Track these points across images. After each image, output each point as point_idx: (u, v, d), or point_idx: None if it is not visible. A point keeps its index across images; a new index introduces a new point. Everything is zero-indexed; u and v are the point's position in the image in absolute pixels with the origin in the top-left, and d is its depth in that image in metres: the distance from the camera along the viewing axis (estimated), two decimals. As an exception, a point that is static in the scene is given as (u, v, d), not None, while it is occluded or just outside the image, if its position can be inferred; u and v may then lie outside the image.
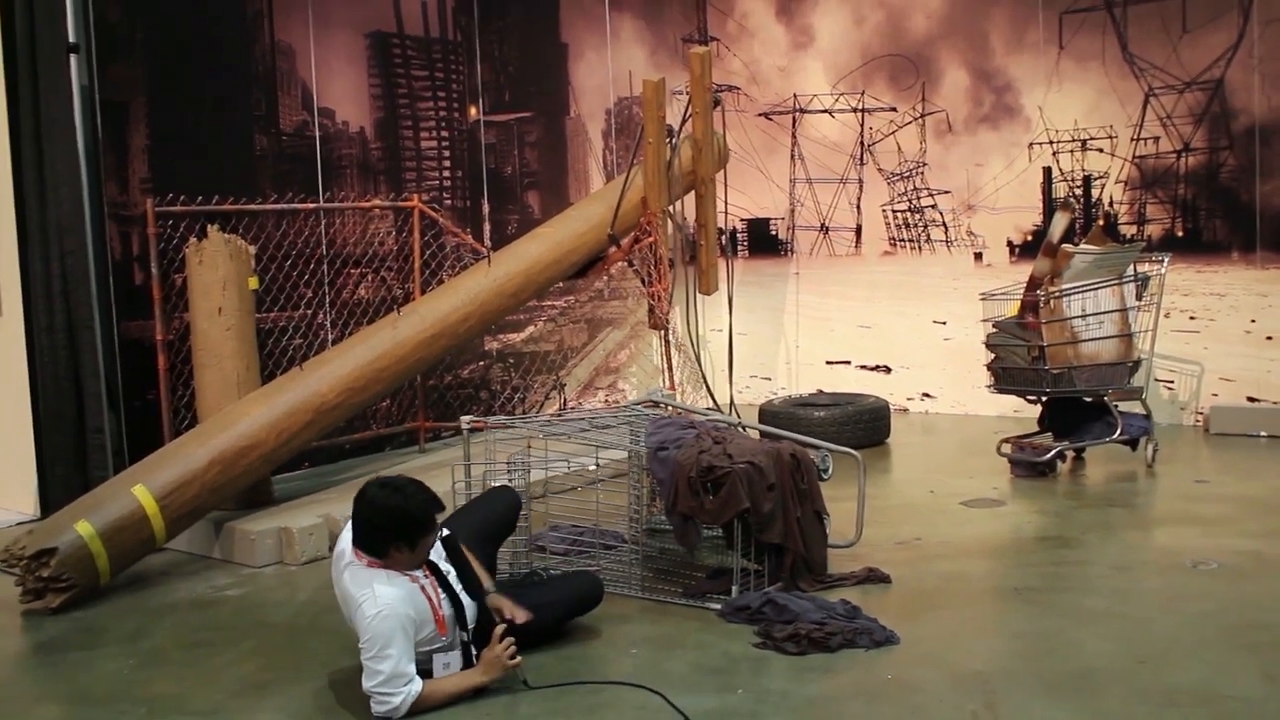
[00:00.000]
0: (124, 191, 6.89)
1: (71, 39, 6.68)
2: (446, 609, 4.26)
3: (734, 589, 5.09)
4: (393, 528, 4.14)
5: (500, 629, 4.25)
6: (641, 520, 5.63)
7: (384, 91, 8.36)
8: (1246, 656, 4.34)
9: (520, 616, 4.47)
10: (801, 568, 5.25)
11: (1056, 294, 7.19)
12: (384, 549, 4.16)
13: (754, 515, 5.09)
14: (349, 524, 4.27)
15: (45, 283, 6.85)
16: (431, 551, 4.29)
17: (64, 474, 6.88)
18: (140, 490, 5.74)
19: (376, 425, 8.09)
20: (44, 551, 5.44)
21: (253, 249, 6.73)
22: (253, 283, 6.67)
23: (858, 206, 10.18)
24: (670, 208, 8.19)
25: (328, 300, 7.82)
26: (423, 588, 4.22)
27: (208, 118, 7.32)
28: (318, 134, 7.88)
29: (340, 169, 8.05)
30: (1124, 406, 7.46)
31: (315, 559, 6.17)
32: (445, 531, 4.42)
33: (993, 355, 7.50)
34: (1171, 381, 8.76)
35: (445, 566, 4.37)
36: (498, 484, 5.35)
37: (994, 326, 7.47)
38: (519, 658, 4.21)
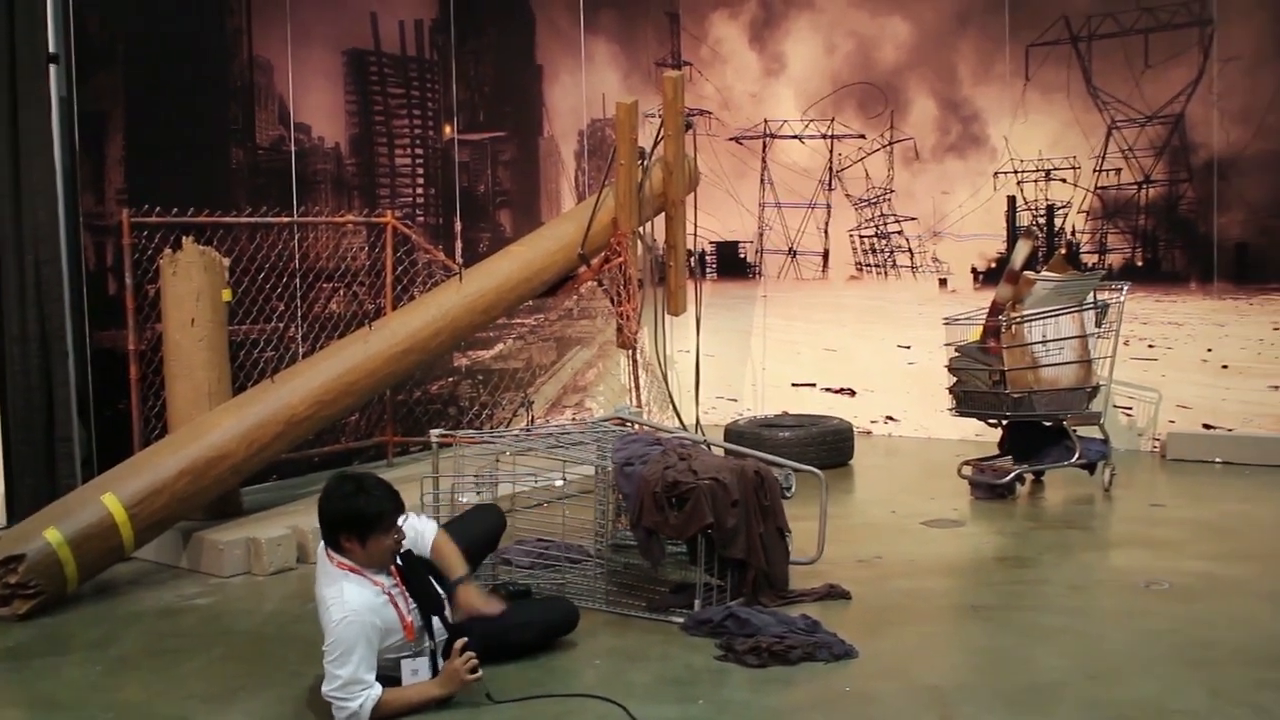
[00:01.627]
0: (100, 202, 6.92)
1: (51, 49, 6.69)
2: (416, 618, 4.30)
3: (697, 603, 5.15)
4: (341, 519, 4.20)
5: (461, 642, 4.29)
6: (607, 535, 5.68)
7: (360, 108, 8.42)
8: (1194, 673, 4.44)
9: (494, 608, 4.55)
10: (763, 583, 5.31)
11: (1018, 320, 7.31)
12: (335, 539, 4.23)
13: (717, 531, 5.16)
14: None
15: (19, 292, 6.84)
16: (392, 557, 4.33)
17: (32, 483, 6.85)
18: (110, 499, 5.76)
19: (345, 439, 8.13)
20: (12, 558, 5.45)
21: (227, 261, 6.77)
22: (226, 295, 6.70)
23: (825, 231, 10.30)
24: (640, 229, 8.27)
25: (299, 314, 7.85)
26: (390, 595, 4.26)
27: (185, 130, 7.34)
28: (293, 149, 7.93)
29: (315, 184, 8.10)
30: (1082, 431, 7.58)
31: (283, 570, 6.20)
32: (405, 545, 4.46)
33: (955, 379, 7.60)
34: (1130, 408, 8.90)
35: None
36: (484, 503, 5.41)
37: (956, 350, 7.58)
38: (479, 672, 4.25)
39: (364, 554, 4.23)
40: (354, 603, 4.13)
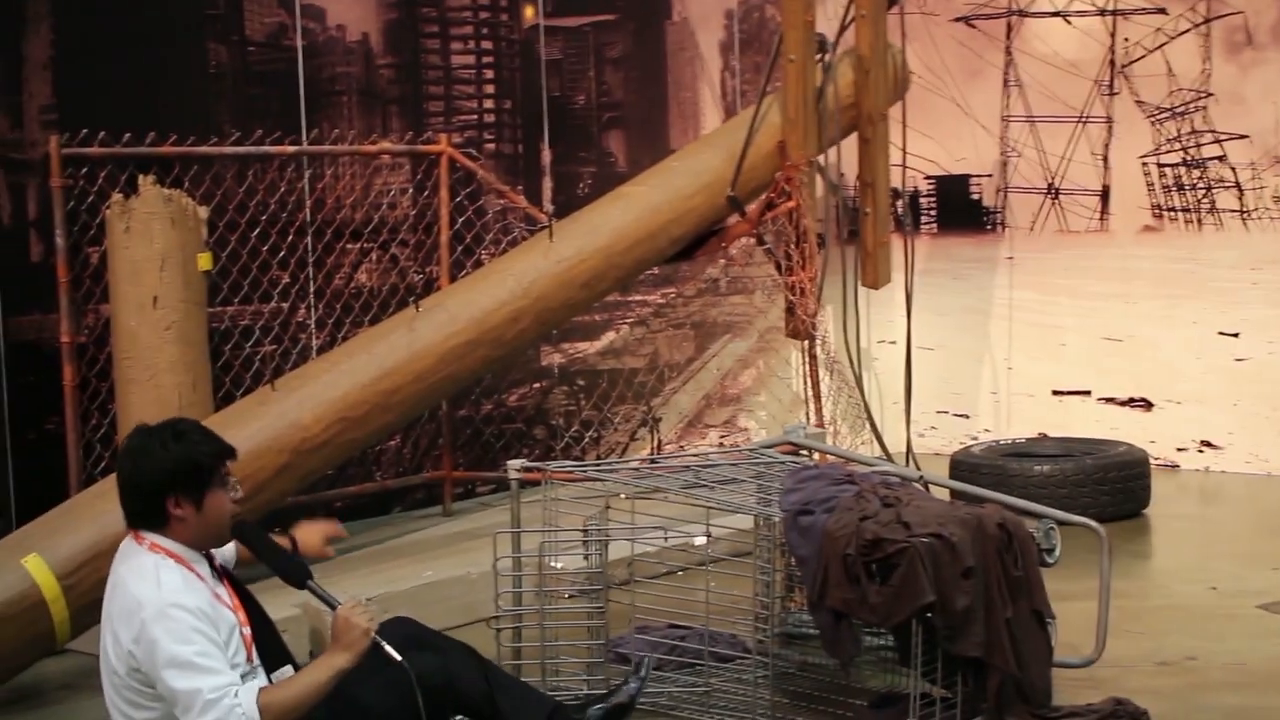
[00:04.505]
0: (17, 125, 7.07)
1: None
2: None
3: (911, 724, 5.11)
4: (169, 475, 4.38)
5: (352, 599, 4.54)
6: (773, 620, 5.67)
7: (399, -18, 8.53)
8: None
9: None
10: (1013, 694, 5.24)
11: None
12: (159, 508, 4.39)
13: (942, 614, 5.10)
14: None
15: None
16: (230, 524, 4.55)
17: (-77, 539, 7.04)
18: (34, 563, 5.85)
19: (382, 474, 8.21)
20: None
21: (205, 212, 6.87)
22: (204, 261, 6.80)
23: (1104, 159, 10.18)
24: (821, 158, 8.24)
25: (312, 288, 7.95)
26: (216, 594, 4.43)
27: (141, 20, 7.47)
28: (300, 44, 8.03)
29: (333, 96, 8.20)
30: None
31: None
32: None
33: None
34: None
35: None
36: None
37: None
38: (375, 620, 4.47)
39: (199, 521, 4.41)
40: (171, 584, 4.27)
